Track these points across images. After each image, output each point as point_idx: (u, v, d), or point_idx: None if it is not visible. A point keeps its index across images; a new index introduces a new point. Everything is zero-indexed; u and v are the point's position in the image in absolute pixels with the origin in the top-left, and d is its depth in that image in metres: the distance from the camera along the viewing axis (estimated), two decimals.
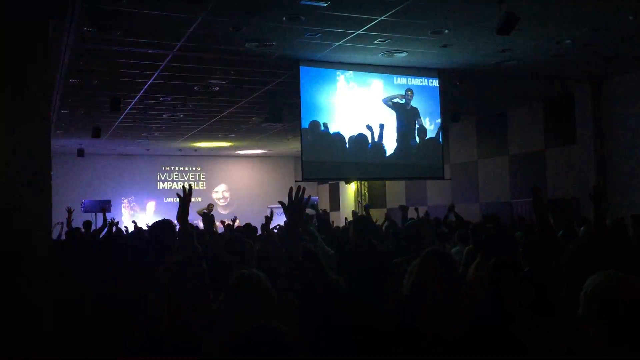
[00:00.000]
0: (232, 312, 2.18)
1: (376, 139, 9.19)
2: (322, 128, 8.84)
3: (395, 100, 9.31)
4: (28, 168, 5.78)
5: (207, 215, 13.10)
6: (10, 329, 4.33)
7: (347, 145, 8.98)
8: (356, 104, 9.04)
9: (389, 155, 9.32)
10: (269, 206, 17.81)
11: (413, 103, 9.43)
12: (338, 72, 8.86)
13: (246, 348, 1.58)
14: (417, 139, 9.52)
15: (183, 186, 3.01)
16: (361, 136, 9.09)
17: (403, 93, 9.34)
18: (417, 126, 9.51)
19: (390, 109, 9.29)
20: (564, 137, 11.52)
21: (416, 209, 8.64)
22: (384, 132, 9.26)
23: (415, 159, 9.58)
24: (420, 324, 2.31)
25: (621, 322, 1.70)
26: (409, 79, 9.30)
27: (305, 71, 8.56)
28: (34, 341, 4.34)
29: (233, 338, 1.64)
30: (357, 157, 9.10)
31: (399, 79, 9.25)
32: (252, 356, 1.57)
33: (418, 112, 9.49)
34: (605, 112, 10.52)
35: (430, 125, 9.65)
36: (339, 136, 8.94)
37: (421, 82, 9.39)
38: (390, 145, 9.31)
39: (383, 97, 9.22)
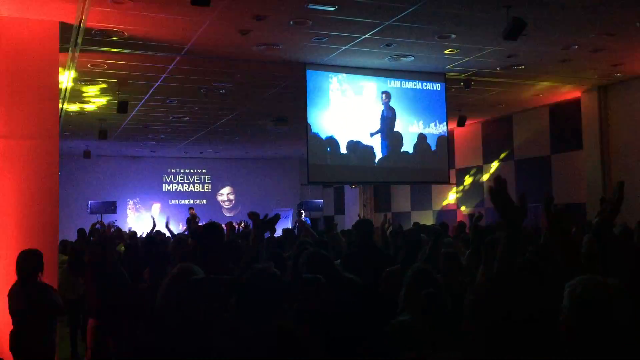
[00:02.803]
0: (244, 312, 2.17)
1: (381, 144, 9.20)
2: (328, 132, 8.85)
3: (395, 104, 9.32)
4: (36, 168, 5.84)
5: (192, 220, 13.11)
6: (21, 325, 4.36)
7: (352, 149, 8.98)
8: (360, 108, 9.04)
9: (394, 160, 9.31)
10: (274, 209, 17.87)
11: (417, 106, 9.41)
12: (343, 76, 8.88)
13: (264, 347, 1.58)
14: (422, 144, 9.52)
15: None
16: (366, 140, 9.10)
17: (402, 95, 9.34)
18: (420, 130, 9.51)
19: (393, 113, 9.28)
20: (570, 143, 11.49)
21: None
22: (389, 136, 9.27)
23: (421, 164, 9.58)
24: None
25: (598, 326, 1.67)
26: (402, 82, 9.28)
27: (311, 75, 8.59)
28: (47, 338, 4.38)
29: (249, 338, 1.64)
30: (362, 161, 9.09)
31: (392, 82, 9.22)
32: (272, 356, 1.57)
33: (419, 116, 9.48)
34: (611, 118, 10.50)
35: (436, 129, 9.64)
36: (344, 140, 8.94)
37: (415, 85, 9.35)
38: (394, 149, 9.31)
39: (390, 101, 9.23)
